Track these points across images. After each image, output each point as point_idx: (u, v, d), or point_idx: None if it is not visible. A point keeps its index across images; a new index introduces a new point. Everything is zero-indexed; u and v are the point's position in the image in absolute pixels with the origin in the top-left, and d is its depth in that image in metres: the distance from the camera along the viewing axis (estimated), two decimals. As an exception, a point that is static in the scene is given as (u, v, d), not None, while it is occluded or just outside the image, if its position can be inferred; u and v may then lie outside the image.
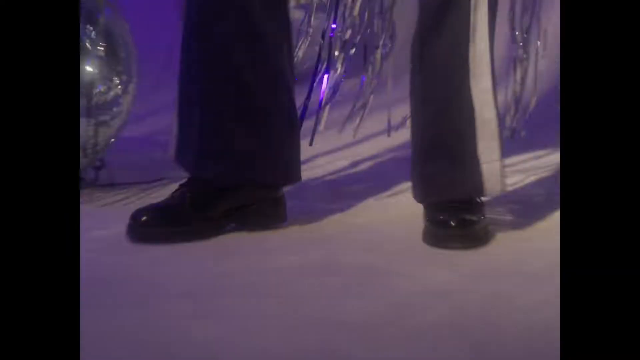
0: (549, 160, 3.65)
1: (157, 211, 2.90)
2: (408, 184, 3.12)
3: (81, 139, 3.22)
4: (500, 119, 2.94)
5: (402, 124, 3.37)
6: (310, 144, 3.24)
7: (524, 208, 3.15)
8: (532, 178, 3.46)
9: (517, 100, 3.42)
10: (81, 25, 3.21)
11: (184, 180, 2.96)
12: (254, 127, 2.96)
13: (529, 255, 2.83)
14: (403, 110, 3.23)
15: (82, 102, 3.22)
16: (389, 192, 3.35)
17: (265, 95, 2.97)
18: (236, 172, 2.96)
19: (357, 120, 3.27)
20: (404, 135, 3.30)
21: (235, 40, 2.93)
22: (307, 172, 3.44)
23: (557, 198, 3.13)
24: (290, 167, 3.03)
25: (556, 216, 3.08)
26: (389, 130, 3.26)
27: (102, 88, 3.23)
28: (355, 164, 3.56)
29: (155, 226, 2.88)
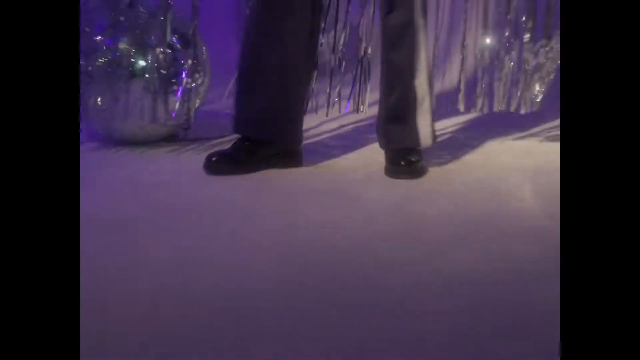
0: (459, 124, 3.64)
1: (223, 155, 3.01)
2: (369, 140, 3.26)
3: (175, 110, 3.26)
4: (432, 100, 3.04)
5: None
6: (327, 115, 3.43)
7: (447, 154, 3.21)
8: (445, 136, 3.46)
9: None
10: (180, 45, 3.27)
11: (238, 137, 3.05)
12: (285, 103, 3.02)
13: (450, 181, 2.96)
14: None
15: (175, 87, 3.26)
16: (363, 141, 3.39)
17: (294, 83, 3.02)
18: (270, 133, 3.03)
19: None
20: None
21: (274, 38, 2.96)
22: (323, 128, 3.57)
23: (465, 149, 3.26)
24: (299, 132, 3.09)
25: (463, 157, 3.18)
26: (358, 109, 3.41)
27: (189, 80, 3.28)
28: (341, 126, 3.61)
29: (222, 163, 2.98)
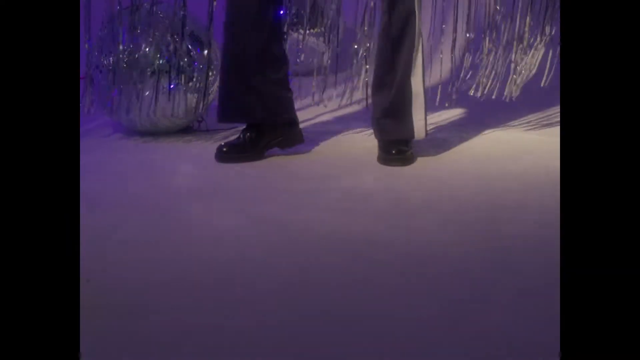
0: (446, 117, 3.51)
1: (231, 145, 2.95)
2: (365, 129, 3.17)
3: (190, 106, 3.17)
4: (426, 95, 2.91)
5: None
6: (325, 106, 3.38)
7: (435, 144, 3.08)
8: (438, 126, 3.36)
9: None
10: (195, 49, 3.17)
11: (242, 129, 2.98)
12: (276, 91, 2.91)
13: (436, 167, 2.86)
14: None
15: (191, 84, 3.16)
16: (358, 131, 3.27)
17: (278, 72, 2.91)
18: (270, 117, 2.92)
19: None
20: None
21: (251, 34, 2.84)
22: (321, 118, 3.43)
23: (451, 140, 3.18)
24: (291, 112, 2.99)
25: (449, 147, 3.08)
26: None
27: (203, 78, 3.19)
28: (339, 117, 3.48)
29: (230, 153, 2.92)
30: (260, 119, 2.93)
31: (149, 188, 2.64)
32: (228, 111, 2.94)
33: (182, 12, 3.10)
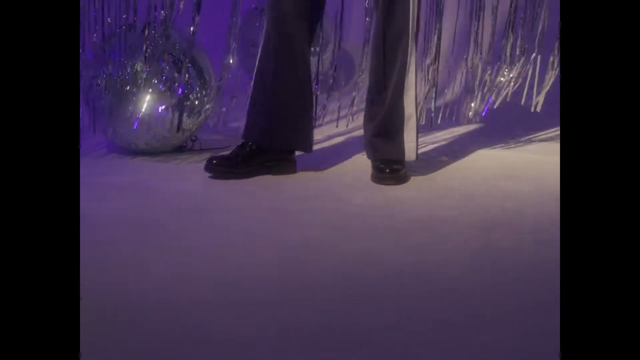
0: (439, 137, 3.52)
1: (223, 158, 2.94)
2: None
3: (183, 125, 3.16)
4: (418, 116, 2.95)
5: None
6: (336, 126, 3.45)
7: (425, 165, 3.08)
8: (432, 145, 3.39)
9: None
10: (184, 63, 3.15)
11: (239, 143, 2.97)
12: (285, 112, 2.92)
13: (430, 187, 2.86)
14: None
15: (184, 104, 3.16)
16: (348, 154, 3.27)
17: (297, 95, 2.92)
18: (269, 140, 2.93)
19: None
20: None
21: (280, 57, 2.86)
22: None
23: (445, 159, 3.19)
24: (305, 140, 2.98)
25: (442, 169, 3.07)
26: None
27: (196, 96, 3.17)
28: (329, 137, 3.49)
29: (220, 166, 2.91)
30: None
31: (142, 206, 2.61)
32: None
33: (167, 35, 3.10)
